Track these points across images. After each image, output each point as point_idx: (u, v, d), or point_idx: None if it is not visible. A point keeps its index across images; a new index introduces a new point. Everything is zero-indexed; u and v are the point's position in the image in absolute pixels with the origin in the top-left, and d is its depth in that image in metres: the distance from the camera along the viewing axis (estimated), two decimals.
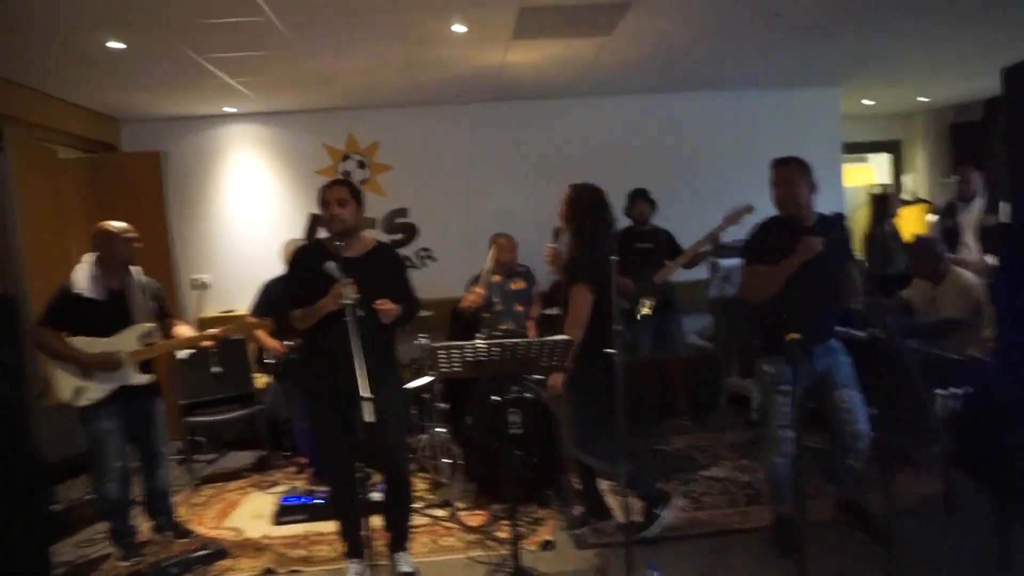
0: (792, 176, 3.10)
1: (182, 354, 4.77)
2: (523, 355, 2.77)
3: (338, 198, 3.04)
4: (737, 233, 4.58)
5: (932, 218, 6.89)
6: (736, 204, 4.54)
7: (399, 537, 3.27)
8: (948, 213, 5.67)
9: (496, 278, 4.77)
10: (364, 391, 2.46)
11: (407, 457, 3.28)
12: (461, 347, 2.74)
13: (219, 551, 3.58)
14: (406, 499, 3.30)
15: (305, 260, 3.09)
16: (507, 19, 4.16)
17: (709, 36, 4.84)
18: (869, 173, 9.28)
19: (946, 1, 4.43)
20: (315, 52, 4.57)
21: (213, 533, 3.88)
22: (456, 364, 2.80)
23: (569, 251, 3.34)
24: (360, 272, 2.89)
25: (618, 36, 4.66)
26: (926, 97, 7.86)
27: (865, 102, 7.78)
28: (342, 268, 2.81)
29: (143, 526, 3.83)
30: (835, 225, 3.19)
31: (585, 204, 3.36)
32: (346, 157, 6.35)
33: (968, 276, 4.38)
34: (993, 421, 3.09)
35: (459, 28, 4.28)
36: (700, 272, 5.10)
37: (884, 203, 6.17)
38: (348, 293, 2.72)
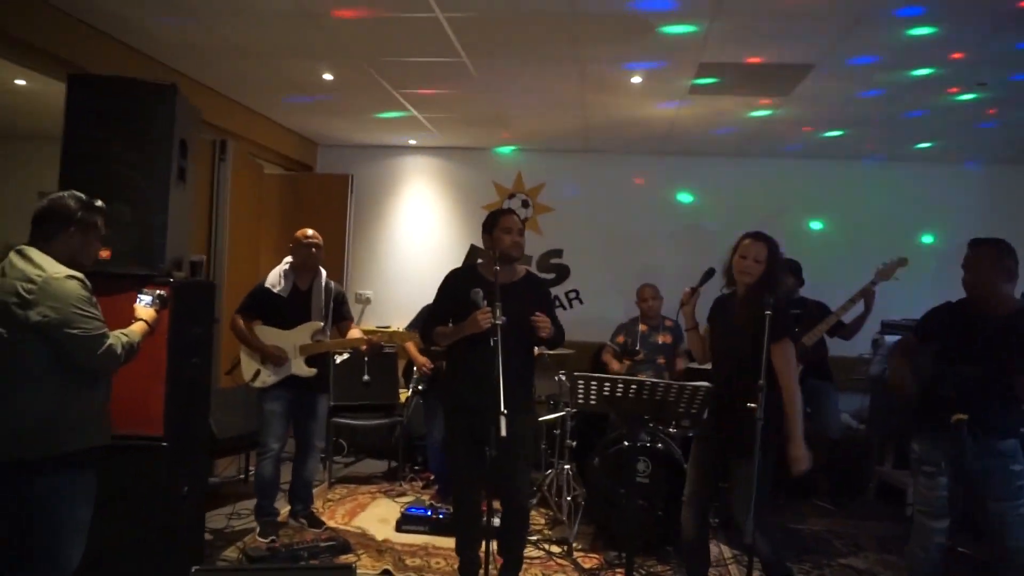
0: (981, 261, 2.88)
1: (339, 359, 5.16)
2: (660, 397, 2.74)
3: (519, 228, 3.22)
4: (900, 304, 4.27)
5: None
6: (889, 259, 4.27)
7: (512, 564, 3.29)
8: None
9: (642, 328, 4.75)
10: (502, 406, 2.55)
11: (529, 486, 3.31)
12: (600, 379, 2.76)
13: (345, 545, 3.78)
14: (523, 526, 3.33)
15: (457, 282, 3.26)
16: (686, 72, 4.23)
17: (895, 102, 4.62)
18: None
19: None
20: (498, 93, 4.86)
21: (341, 529, 4.11)
22: (593, 396, 2.83)
23: (760, 304, 2.91)
24: (510, 298, 3.00)
25: (796, 97, 4.58)
26: None
27: None
28: (489, 295, 2.91)
29: (283, 510, 4.14)
30: None
31: (779, 256, 3.12)
32: (512, 195, 6.63)
33: None
34: None
35: (636, 79, 4.40)
36: (864, 345, 4.76)
37: None
38: (494, 317, 2.82)
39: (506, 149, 6.62)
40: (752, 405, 2.66)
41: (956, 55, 3.73)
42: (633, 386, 2.74)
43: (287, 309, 3.92)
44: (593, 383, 2.78)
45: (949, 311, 3.02)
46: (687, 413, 2.79)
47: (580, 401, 2.86)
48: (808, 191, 6.29)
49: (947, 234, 6.00)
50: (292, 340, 3.89)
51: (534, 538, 3.96)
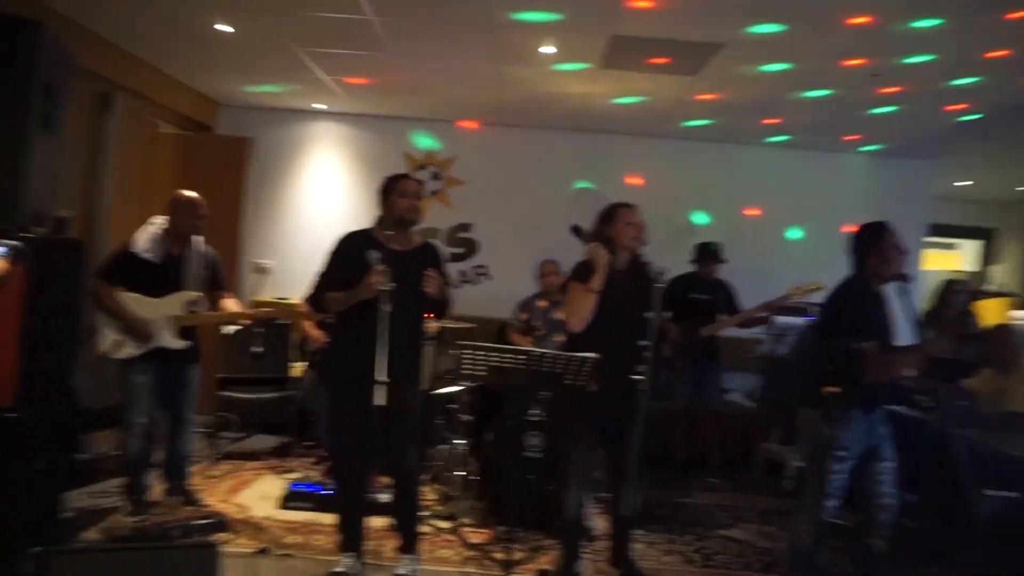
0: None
1: (227, 329, 4.92)
2: (548, 369, 2.70)
3: (416, 192, 3.10)
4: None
5: (1020, 313, 6.46)
6: (806, 280, 4.39)
7: (406, 539, 3.22)
8: None
9: (542, 304, 4.72)
10: (380, 375, 2.46)
11: (418, 459, 3.22)
12: (487, 349, 2.69)
13: (220, 523, 3.60)
14: (412, 500, 3.25)
15: (350, 246, 3.11)
16: (598, 45, 4.18)
17: (799, 89, 4.73)
18: (956, 260, 8.84)
19: None
20: (408, 58, 4.69)
21: (221, 507, 3.92)
22: (480, 368, 2.75)
23: (649, 274, 3.07)
24: (405, 266, 2.89)
25: (705, 77, 4.61)
26: None
27: (962, 184, 7.45)
28: (385, 259, 2.81)
29: (157, 487, 3.90)
30: (906, 292, 3.07)
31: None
32: (422, 167, 6.47)
33: None
34: None
35: (549, 49, 4.32)
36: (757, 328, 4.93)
37: (946, 289, 5.76)
38: (384, 282, 2.73)
39: (423, 139, 6.46)
40: (639, 377, 2.67)
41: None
42: (520, 357, 2.69)
43: (158, 276, 3.59)
44: (480, 354, 2.71)
45: (851, 291, 3.05)
46: (575, 384, 2.75)
47: (468, 372, 2.78)
48: (723, 174, 6.42)
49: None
50: (163, 310, 3.58)
51: (424, 514, 3.88)
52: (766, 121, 5.63)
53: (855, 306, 2.97)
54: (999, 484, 3.35)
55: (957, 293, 5.58)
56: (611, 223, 3.12)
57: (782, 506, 4.46)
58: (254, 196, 6.31)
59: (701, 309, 4.81)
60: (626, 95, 5.21)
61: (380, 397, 2.45)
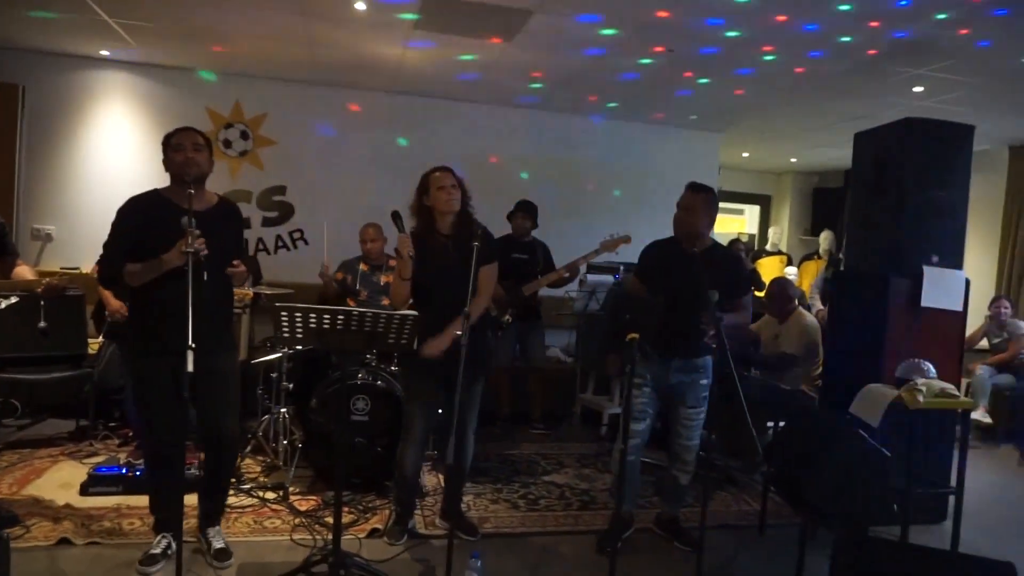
0: (697, 205, 3.20)
1: (5, 303, 4.34)
2: (370, 328, 2.69)
3: (194, 142, 2.87)
4: (610, 255, 4.76)
5: (790, 269, 7.41)
6: (615, 232, 4.68)
7: (213, 511, 3.09)
8: (832, 266, 6.15)
9: (364, 268, 4.66)
10: (189, 341, 2.32)
11: (235, 426, 3.07)
12: (305, 311, 2.62)
13: (9, 517, 3.22)
14: (227, 471, 3.12)
15: (142, 211, 2.85)
16: (410, 5, 4.13)
17: (602, 61, 5.01)
18: (742, 224, 9.92)
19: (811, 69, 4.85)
20: (208, 5, 4.34)
21: (9, 500, 3.50)
22: (299, 330, 2.68)
23: (471, 233, 3.03)
24: (204, 227, 2.71)
25: (518, 44, 4.74)
26: (796, 159, 8.52)
27: (744, 155, 8.32)
28: (192, 222, 2.63)
29: None
30: (725, 256, 3.37)
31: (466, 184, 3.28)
32: (229, 125, 6.06)
33: (810, 319, 4.72)
34: (807, 451, 3.30)
35: (360, 6, 4.21)
36: (571, 286, 5.22)
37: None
38: (195, 245, 2.55)
39: (207, 74, 6.00)
40: (459, 332, 2.74)
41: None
42: (340, 317, 2.65)
43: None
44: (298, 315, 2.63)
45: (659, 248, 3.35)
46: (397, 343, 2.77)
47: (286, 335, 2.69)
48: (536, 140, 6.67)
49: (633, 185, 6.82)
50: None
51: (247, 486, 3.74)
52: (575, 91, 5.92)
53: (657, 258, 3.28)
54: (773, 415, 3.87)
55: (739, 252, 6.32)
56: (425, 191, 3.15)
57: (598, 450, 4.83)
58: (29, 153, 5.59)
59: (522, 269, 5.00)
60: (442, 59, 5.21)
61: (191, 364, 2.31)
